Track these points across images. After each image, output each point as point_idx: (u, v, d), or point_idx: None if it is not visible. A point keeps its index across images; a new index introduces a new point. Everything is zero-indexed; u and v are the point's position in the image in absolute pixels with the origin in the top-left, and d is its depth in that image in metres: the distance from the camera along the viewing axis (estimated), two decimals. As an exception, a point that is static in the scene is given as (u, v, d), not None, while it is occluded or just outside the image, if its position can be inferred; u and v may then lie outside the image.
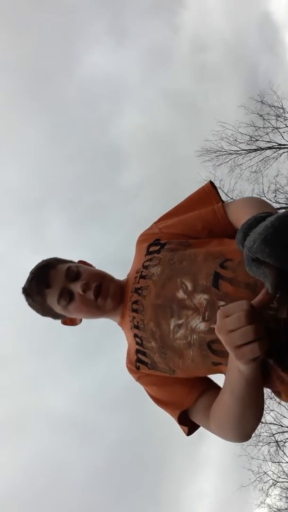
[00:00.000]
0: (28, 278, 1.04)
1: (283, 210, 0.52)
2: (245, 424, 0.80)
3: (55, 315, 1.06)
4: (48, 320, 1.09)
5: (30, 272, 1.05)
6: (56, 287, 0.99)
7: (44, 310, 1.04)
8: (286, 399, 0.81)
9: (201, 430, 0.97)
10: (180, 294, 0.86)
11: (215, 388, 0.94)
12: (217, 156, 11.84)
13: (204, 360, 0.85)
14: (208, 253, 0.89)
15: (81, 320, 1.12)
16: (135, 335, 0.96)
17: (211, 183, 1.05)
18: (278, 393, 0.81)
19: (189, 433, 0.97)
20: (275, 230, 0.46)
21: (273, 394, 0.85)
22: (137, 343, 0.97)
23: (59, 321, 1.12)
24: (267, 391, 0.86)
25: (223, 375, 0.87)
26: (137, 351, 0.98)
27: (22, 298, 1.06)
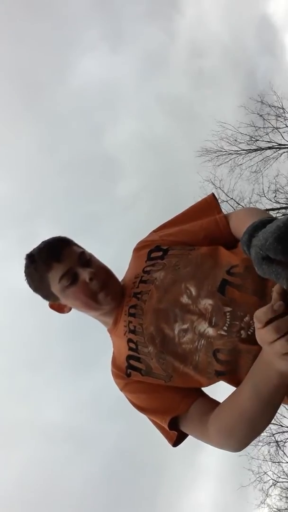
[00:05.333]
0: (40, 245, 0.99)
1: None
2: (259, 427, 0.77)
3: (47, 294, 1.00)
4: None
5: (44, 241, 1.00)
6: (65, 265, 0.95)
7: (41, 283, 0.98)
8: None
9: None
10: (184, 299, 0.86)
11: (208, 397, 0.92)
12: (217, 156, 11.86)
13: (207, 367, 0.84)
14: (216, 261, 0.89)
15: (69, 310, 1.05)
16: (130, 340, 0.94)
17: (213, 195, 1.06)
18: None
19: (175, 443, 0.94)
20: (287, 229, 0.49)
21: None
22: (130, 348, 0.94)
23: (51, 319, 1.08)
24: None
25: (224, 383, 0.86)
26: (129, 357, 0.95)
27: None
